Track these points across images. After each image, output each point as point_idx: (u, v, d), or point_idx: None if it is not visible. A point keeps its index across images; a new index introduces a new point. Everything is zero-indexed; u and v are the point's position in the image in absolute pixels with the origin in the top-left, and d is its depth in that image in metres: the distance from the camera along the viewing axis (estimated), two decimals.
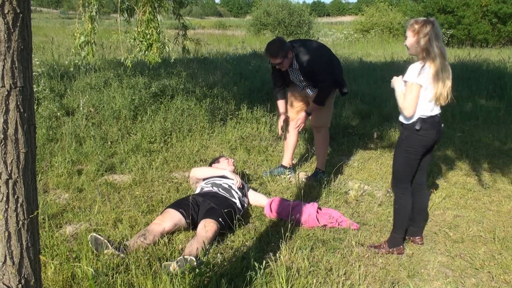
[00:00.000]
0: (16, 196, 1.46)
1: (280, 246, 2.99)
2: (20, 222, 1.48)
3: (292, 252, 2.93)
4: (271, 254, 2.83)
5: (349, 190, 4.12)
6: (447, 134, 5.79)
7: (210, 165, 4.15)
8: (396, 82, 2.97)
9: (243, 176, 4.34)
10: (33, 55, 1.60)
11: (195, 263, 2.59)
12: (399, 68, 10.96)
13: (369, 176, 4.61)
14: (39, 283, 1.61)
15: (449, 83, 2.82)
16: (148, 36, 4.26)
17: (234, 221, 3.28)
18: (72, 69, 7.69)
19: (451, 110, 6.83)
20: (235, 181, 3.73)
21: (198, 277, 2.47)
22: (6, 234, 1.46)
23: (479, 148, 5.53)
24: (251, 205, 3.78)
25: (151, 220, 3.32)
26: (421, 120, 2.87)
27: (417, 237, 3.25)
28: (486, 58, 13.37)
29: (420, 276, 2.85)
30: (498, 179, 4.60)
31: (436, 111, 2.91)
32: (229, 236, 3.21)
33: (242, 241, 3.15)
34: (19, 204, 1.47)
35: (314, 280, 2.62)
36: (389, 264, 2.97)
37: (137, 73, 7.89)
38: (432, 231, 3.46)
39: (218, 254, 2.86)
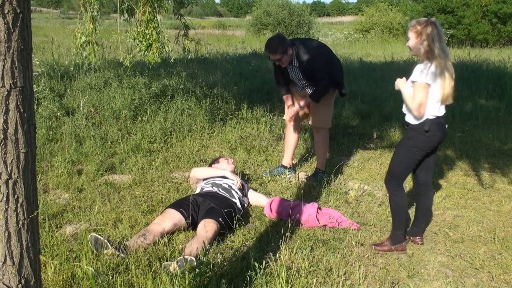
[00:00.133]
0: (16, 196, 1.46)
1: (280, 246, 2.99)
2: (20, 222, 1.48)
3: (292, 252, 2.93)
4: (271, 254, 2.83)
5: (349, 190, 4.12)
6: (447, 134, 5.77)
7: (210, 165, 4.15)
8: (401, 83, 2.97)
9: (243, 176, 4.34)
10: (33, 55, 1.60)
11: (195, 263, 2.59)
12: (399, 68, 10.99)
13: (369, 176, 4.61)
14: (39, 283, 1.61)
15: (452, 82, 2.83)
16: (148, 36, 4.26)
17: (234, 221, 3.28)
18: (72, 68, 7.70)
19: (451, 110, 6.82)
20: (235, 182, 3.73)
21: (198, 277, 2.47)
22: (6, 234, 1.46)
23: (479, 148, 5.53)
24: (251, 205, 3.78)
25: (151, 220, 3.32)
26: (429, 121, 2.87)
27: (417, 237, 3.25)
28: (486, 58, 13.37)
29: (420, 276, 2.85)
30: (498, 179, 4.60)
31: (442, 111, 2.92)
32: (229, 236, 3.21)
33: (242, 241, 3.15)
34: (19, 204, 1.47)
35: (314, 280, 2.62)
36: (389, 264, 2.97)
37: (137, 73, 7.89)
38: (432, 231, 3.46)
39: (218, 254, 2.85)
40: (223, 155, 4.92)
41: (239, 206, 3.54)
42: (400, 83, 2.98)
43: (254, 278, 2.57)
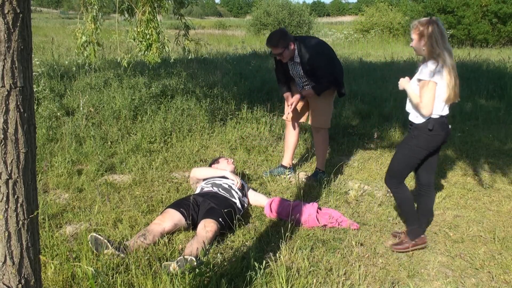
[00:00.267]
0: (16, 196, 1.46)
1: (280, 246, 2.99)
2: (20, 222, 1.48)
3: (292, 252, 2.93)
4: (271, 254, 2.83)
5: (349, 190, 4.12)
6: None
7: (210, 165, 4.15)
8: (405, 83, 2.96)
9: (243, 176, 4.34)
10: (33, 55, 1.60)
11: (195, 263, 2.59)
12: (399, 68, 10.99)
13: (369, 176, 4.61)
14: (39, 283, 1.61)
15: (457, 80, 2.84)
16: (148, 36, 4.26)
17: (234, 221, 3.28)
18: (74, 68, 7.70)
19: (451, 110, 6.72)
20: (235, 182, 3.73)
21: (198, 277, 2.47)
22: (6, 234, 1.46)
23: (479, 148, 5.53)
24: (251, 205, 3.78)
25: (151, 220, 3.32)
26: (433, 120, 2.87)
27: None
28: (486, 58, 13.37)
29: (420, 276, 2.85)
30: (498, 179, 4.60)
31: (446, 111, 2.92)
32: (229, 236, 3.21)
33: (242, 241, 3.15)
34: (19, 204, 1.47)
35: (314, 280, 2.62)
36: (389, 264, 2.97)
37: (137, 73, 7.89)
38: (432, 231, 3.46)
39: (218, 254, 2.86)
40: (223, 155, 4.92)
41: (239, 206, 3.54)
42: (404, 83, 2.97)
43: (254, 278, 2.57)
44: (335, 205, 3.80)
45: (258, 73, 9.28)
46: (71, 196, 3.86)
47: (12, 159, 1.43)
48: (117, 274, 2.59)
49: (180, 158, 4.86)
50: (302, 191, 3.97)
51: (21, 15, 1.39)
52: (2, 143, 1.40)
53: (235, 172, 4.03)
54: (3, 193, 1.43)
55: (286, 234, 3.10)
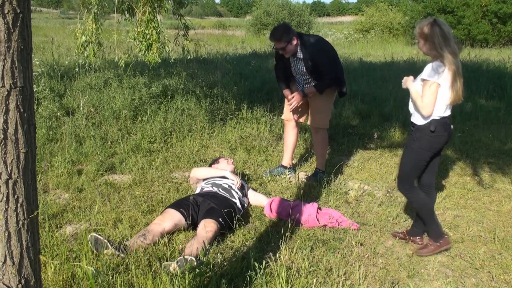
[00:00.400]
0: (16, 196, 1.46)
1: (280, 246, 2.99)
2: (20, 222, 1.48)
3: (292, 252, 2.93)
4: (271, 254, 2.83)
5: (349, 190, 4.12)
6: None
7: (210, 165, 4.15)
8: (409, 82, 2.96)
9: (243, 176, 4.34)
10: (33, 55, 1.60)
11: (195, 263, 2.59)
12: (399, 68, 10.99)
13: (369, 176, 4.61)
14: (39, 283, 1.61)
15: (461, 81, 2.83)
16: (148, 36, 4.26)
17: (234, 221, 3.28)
18: (77, 69, 7.70)
19: (451, 110, 6.83)
20: (235, 182, 3.73)
21: (198, 277, 2.47)
22: (6, 234, 1.46)
23: (479, 148, 5.53)
24: (251, 205, 3.78)
25: (151, 220, 3.32)
26: (435, 121, 2.87)
27: (417, 237, 3.25)
28: (486, 58, 13.37)
29: (420, 276, 2.85)
30: (498, 179, 4.60)
31: (448, 112, 2.92)
32: (229, 236, 3.21)
33: (242, 241, 3.15)
34: (19, 204, 1.47)
35: (314, 280, 2.62)
36: (389, 264, 2.97)
37: (137, 73, 7.89)
38: None
39: (218, 254, 2.86)
40: (223, 155, 4.92)
41: (239, 206, 3.54)
42: (408, 82, 2.97)
43: (254, 278, 2.57)
44: (335, 205, 3.80)
45: (258, 73, 9.28)
46: (71, 196, 3.86)
47: (12, 159, 1.43)
48: (117, 274, 2.59)
49: (180, 158, 4.86)
50: (302, 191, 3.97)
51: (21, 15, 1.39)
52: (2, 143, 1.40)
53: (235, 172, 4.03)
54: (3, 193, 1.43)
55: (286, 234, 3.10)
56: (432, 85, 2.79)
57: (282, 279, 2.54)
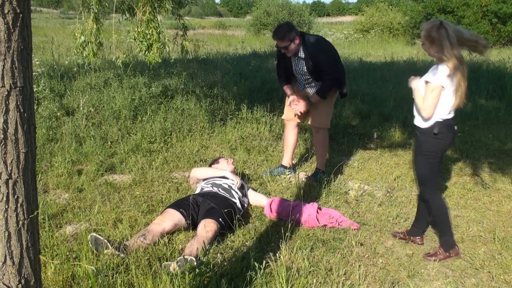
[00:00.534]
0: (16, 196, 1.46)
1: (280, 246, 2.99)
2: (20, 222, 1.48)
3: (292, 252, 2.93)
4: (271, 254, 2.83)
5: (349, 190, 4.12)
6: None
7: (210, 165, 4.15)
8: (415, 82, 2.95)
9: (243, 176, 4.34)
10: (33, 55, 1.60)
11: (195, 263, 2.59)
12: (399, 68, 10.99)
13: (369, 176, 4.61)
14: (39, 283, 1.61)
15: (466, 84, 2.82)
16: (148, 36, 4.26)
17: (234, 221, 3.28)
18: (76, 69, 7.70)
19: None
20: (235, 182, 3.73)
21: (198, 277, 2.47)
22: (6, 234, 1.46)
23: (479, 148, 5.53)
24: (251, 205, 3.78)
25: (151, 220, 3.32)
26: (438, 123, 2.86)
27: (417, 237, 3.25)
28: (486, 58, 13.35)
29: (420, 276, 2.85)
30: (498, 179, 4.60)
31: (452, 114, 2.91)
32: (229, 236, 3.21)
33: (242, 241, 3.15)
34: (19, 204, 1.47)
35: (314, 280, 2.62)
36: (389, 264, 2.97)
37: (137, 73, 7.89)
38: (432, 231, 3.45)
39: (218, 254, 2.85)
40: (223, 155, 4.92)
41: (239, 206, 3.54)
42: (415, 82, 2.95)
43: (254, 278, 2.57)
44: (335, 205, 3.80)
45: (258, 73, 9.28)
46: (71, 196, 3.86)
47: (12, 159, 1.43)
48: (117, 274, 2.59)
49: (180, 158, 4.86)
50: (302, 191, 3.97)
51: (21, 15, 1.39)
52: (2, 143, 1.40)
53: (235, 172, 4.03)
54: (3, 193, 1.43)
55: (286, 234, 3.10)
56: (436, 88, 2.78)
57: (282, 279, 2.54)
